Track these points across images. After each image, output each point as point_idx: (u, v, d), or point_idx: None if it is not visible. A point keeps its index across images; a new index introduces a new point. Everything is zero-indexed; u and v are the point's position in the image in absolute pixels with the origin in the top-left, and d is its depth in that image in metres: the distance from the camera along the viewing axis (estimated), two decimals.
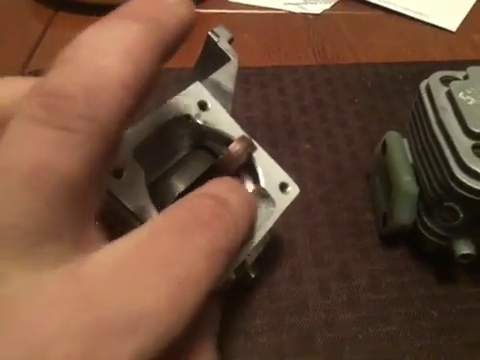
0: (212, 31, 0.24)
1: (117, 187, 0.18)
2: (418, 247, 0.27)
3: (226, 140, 0.22)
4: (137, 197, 0.18)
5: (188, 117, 0.21)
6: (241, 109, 0.37)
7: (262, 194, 0.22)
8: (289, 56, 0.43)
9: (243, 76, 0.40)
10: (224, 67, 0.24)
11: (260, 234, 0.21)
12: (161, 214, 0.12)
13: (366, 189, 0.31)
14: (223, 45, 0.24)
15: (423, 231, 0.25)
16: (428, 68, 0.41)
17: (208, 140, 0.22)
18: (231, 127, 0.22)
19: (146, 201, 0.19)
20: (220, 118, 0.22)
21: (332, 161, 0.33)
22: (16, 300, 0.10)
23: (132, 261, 0.11)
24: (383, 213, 0.27)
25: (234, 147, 0.21)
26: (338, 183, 0.31)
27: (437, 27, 0.47)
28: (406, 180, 0.25)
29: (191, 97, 0.22)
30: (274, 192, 0.22)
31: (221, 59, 0.24)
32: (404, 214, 0.25)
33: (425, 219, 0.25)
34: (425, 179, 0.24)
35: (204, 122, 0.22)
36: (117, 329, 0.10)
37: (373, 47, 0.45)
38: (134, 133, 0.19)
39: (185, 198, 0.13)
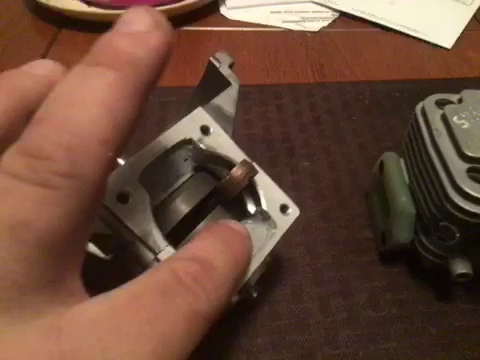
0: (214, 57, 0.25)
1: (123, 212, 0.19)
2: (416, 264, 0.27)
3: (228, 163, 0.23)
4: (143, 221, 0.19)
5: (191, 141, 0.22)
6: (241, 126, 0.38)
7: (263, 216, 0.23)
8: (287, 73, 0.44)
9: (242, 94, 0.40)
10: (225, 92, 0.25)
11: (262, 255, 0.21)
12: (145, 274, 0.13)
13: (365, 206, 0.32)
14: (224, 71, 0.25)
15: (420, 250, 0.26)
16: (424, 86, 0.42)
17: (210, 163, 0.23)
18: (233, 151, 0.23)
19: (151, 225, 0.19)
20: (222, 142, 0.23)
21: (331, 179, 0.34)
22: None
23: (114, 319, 0.11)
24: (382, 232, 0.28)
25: (236, 172, 0.21)
26: (337, 201, 0.32)
27: (433, 44, 0.48)
28: (403, 201, 0.26)
29: (194, 122, 0.22)
30: (275, 214, 0.23)
31: (222, 83, 0.25)
32: (402, 233, 0.26)
33: (422, 238, 0.26)
34: (421, 199, 0.25)
35: (206, 146, 0.22)
36: None
37: (370, 64, 0.46)
38: (140, 158, 0.20)
39: (170, 258, 0.14)
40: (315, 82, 0.42)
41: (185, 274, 0.13)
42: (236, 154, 0.23)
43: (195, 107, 0.23)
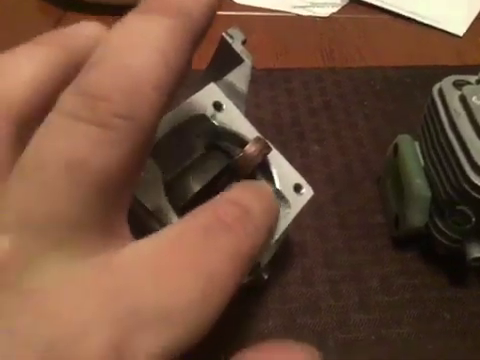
0: (226, 32, 0.24)
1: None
2: (430, 249, 0.27)
3: (241, 141, 0.22)
4: (155, 196, 0.19)
5: (204, 117, 0.21)
6: (250, 109, 0.37)
7: (277, 195, 0.22)
8: (297, 59, 0.43)
9: (251, 77, 0.40)
10: (238, 68, 0.24)
11: (275, 235, 0.21)
12: (188, 215, 0.13)
13: (376, 191, 0.31)
14: (237, 47, 0.24)
15: (435, 234, 0.25)
16: (436, 72, 0.41)
17: (223, 140, 0.23)
18: (246, 128, 0.22)
19: (163, 201, 0.19)
20: (235, 119, 0.22)
21: (342, 163, 0.33)
22: (47, 292, 0.10)
23: (163, 256, 0.11)
24: (395, 215, 0.27)
25: (250, 148, 0.21)
26: (348, 185, 0.32)
27: (444, 32, 0.47)
28: (418, 183, 0.25)
29: (206, 98, 0.22)
30: (289, 193, 0.22)
31: (235, 60, 0.24)
32: (416, 217, 0.25)
33: (437, 222, 0.25)
34: (438, 182, 0.25)
35: (219, 123, 0.22)
36: (151, 319, 0.10)
37: (380, 50, 0.45)
38: None
39: (210, 202, 0.13)
40: (325, 67, 0.42)
41: (225, 214, 0.12)
42: (249, 131, 0.22)
43: (207, 84, 0.22)
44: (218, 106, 0.22)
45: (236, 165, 0.21)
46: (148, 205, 0.18)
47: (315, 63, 0.43)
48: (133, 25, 0.12)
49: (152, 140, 0.12)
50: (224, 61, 0.25)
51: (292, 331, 0.24)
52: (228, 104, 0.22)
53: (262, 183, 0.19)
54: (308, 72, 0.41)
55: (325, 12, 0.49)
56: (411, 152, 0.27)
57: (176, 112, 0.21)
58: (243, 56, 0.24)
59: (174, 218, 0.19)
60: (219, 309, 0.11)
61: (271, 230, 0.15)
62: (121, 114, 0.10)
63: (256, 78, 0.40)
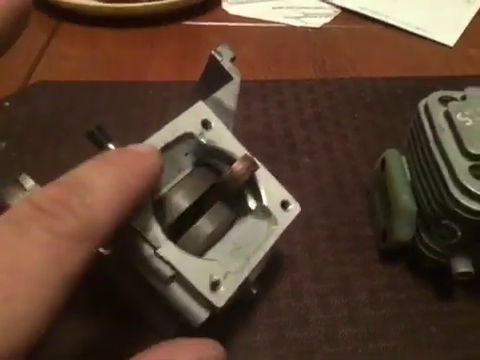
0: (215, 50, 0.25)
1: None
2: (417, 263, 0.27)
3: (229, 158, 0.22)
4: (143, 216, 0.19)
5: (191, 135, 0.22)
6: (241, 122, 0.37)
7: (264, 212, 0.22)
8: (289, 69, 0.44)
9: (243, 89, 0.40)
10: (227, 86, 0.24)
11: (263, 252, 0.21)
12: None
13: (366, 204, 0.31)
14: (226, 64, 0.25)
15: (421, 248, 0.26)
16: (426, 84, 0.42)
17: (211, 158, 0.23)
18: (233, 145, 0.23)
19: (151, 219, 0.19)
20: (223, 136, 0.23)
21: (332, 176, 0.33)
22: None
23: None
24: (382, 229, 0.28)
25: (237, 166, 0.21)
26: (338, 198, 0.32)
27: (435, 42, 0.48)
28: (404, 198, 0.25)
29: (194, 116, 0.22)
30: (276, 210, 0.23)
31: (223, 77, 0.25)
32: (403, 231, 0.26)
33: (423, 236, 0.25)
34: (423, 197, 0.25)
35: (207, 141, 0.22)
36: None
37: (372, 61, 0.45)
38: None
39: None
40: (317, 78, 0.42)
41: (41, 198, 0.12)
42: (237, 149, 0.23)
43: (196, 101, 0.23)
44: (206, 124, 0.22)
45: (224, 183, 0.21)
46: (136, 225, 0.19)
47: (307, 74, 0.43)
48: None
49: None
50: (213, 78, 0.25)
51: (281, 345, 0.24)
52: (216, 122, 0.23)
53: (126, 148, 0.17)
54: (299, 84, 0.41)
55: (317, 23, 0.50)
56: (398, 167, 0.27)
57: (164, 131, 0.21)
58: (232, 73, 0.25)
59: (161, 238, 0.19)
60: (52, 300, 0.11)
61: (130, 194, 0.14)
62: None
63: (247, 90, 0.41)
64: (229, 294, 0.19)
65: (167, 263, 0.18)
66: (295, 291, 0.27)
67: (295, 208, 0.23)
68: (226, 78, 0.25)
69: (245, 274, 0.20)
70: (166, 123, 0.21)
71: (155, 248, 0.19)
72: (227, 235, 0.22)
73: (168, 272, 0.19)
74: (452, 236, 0.23)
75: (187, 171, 0.23)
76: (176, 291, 0.19)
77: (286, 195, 0.23)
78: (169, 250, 0.19)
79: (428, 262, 0.26)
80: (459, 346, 0.25)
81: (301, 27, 0.49)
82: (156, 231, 0.19)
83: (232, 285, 0.20)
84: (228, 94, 0.25)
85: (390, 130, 0.37)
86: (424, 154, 0.25)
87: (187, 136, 0.22)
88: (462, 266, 0.24)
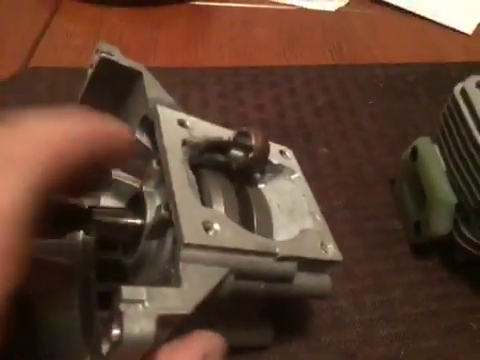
0: (100, 51, 0.20)
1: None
2: (450, 257, 0.26)
3: (224, 145, 0.21)
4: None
5: (185, 142, 0.19)
6: (253, 110, 0.35)
7: (277, 169, 0.22)
8: (305, 54, 0.42)
9: (252, 76, 0.38)
10: (148, 82, 0.21)
11: (310, 198, 0.21)
12: None
13: (390, 195, 0.30)
14: (125, 62, 0.21)
15: (459, 240, 0.24)
16: (439, 69, 0.40)
17: (205, 154, 0.20)
18: (217, 130, 0.21)
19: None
20: (204, 127, 0.20)
21: (352, 166, 0.32)
22: None
23: None
24: (416, 222, 0.26)
25: (257, 139, 0.20)
26: (361, 189, 0.30)
27: (453, 29, 0.46)
28: (444, 190, 0.24)
29: (170, 124, 0.19)
30: (282, 161, 0.22)
31: (125, 76, 0.21)
32: (441, 224, 0.24)
33: (462, 228, 0.24)
34: (463, 187, 0.24)
35: (196, 139, 0.19)
36: None
37: (388, 46, 0.44)
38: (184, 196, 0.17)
39: None
40: (334, 63, 0.40)
41: None
42: (222, 132, 0.21)
43: (105, 115, 0.18)
44: (183, 124, 0.20)
45: (256, 157, 0.20)
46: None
47: (323, 59, 0.41)
48: None
49: None
50: (110, 81, 0.21)
51: (317, 349, 0.23)
52: (187, 117, 0.20)
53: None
54: (310, 70, 0.39)
55: (332, 6, 0.48)
56: (432, 157, 0.26)
57: (170, 159, 0.18)
58: (136, 68, 0.21)
59: (270, 244, 0.18)
60: None
61: None
62: None
63: (256, 77, 0.38)
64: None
65: (290, 258, 0.18)
66: None
67: (290, 152, 0.23)
68: (129, 75, 0.21)
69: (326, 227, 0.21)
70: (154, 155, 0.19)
71: (274, 254, 0.17)
72: (270, 214, 0.20)
73: (293, 267, 0.18)
74: None
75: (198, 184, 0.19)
76: (301, 277, 0.19)
77: (279, 146, 0.23)
78: (282, 246, 0.18)
79: (462, 256, 0.25)
80: None
81: (315, 10, 0.47)
82: (262, 242, 0.17)
83: (329, 238, 0.20)
84: (155, 89, 0.21)
85: (407, 117, 0.35)
86: (464, 141, 0.23)
87: (183, 145, 0.19)
88: None
